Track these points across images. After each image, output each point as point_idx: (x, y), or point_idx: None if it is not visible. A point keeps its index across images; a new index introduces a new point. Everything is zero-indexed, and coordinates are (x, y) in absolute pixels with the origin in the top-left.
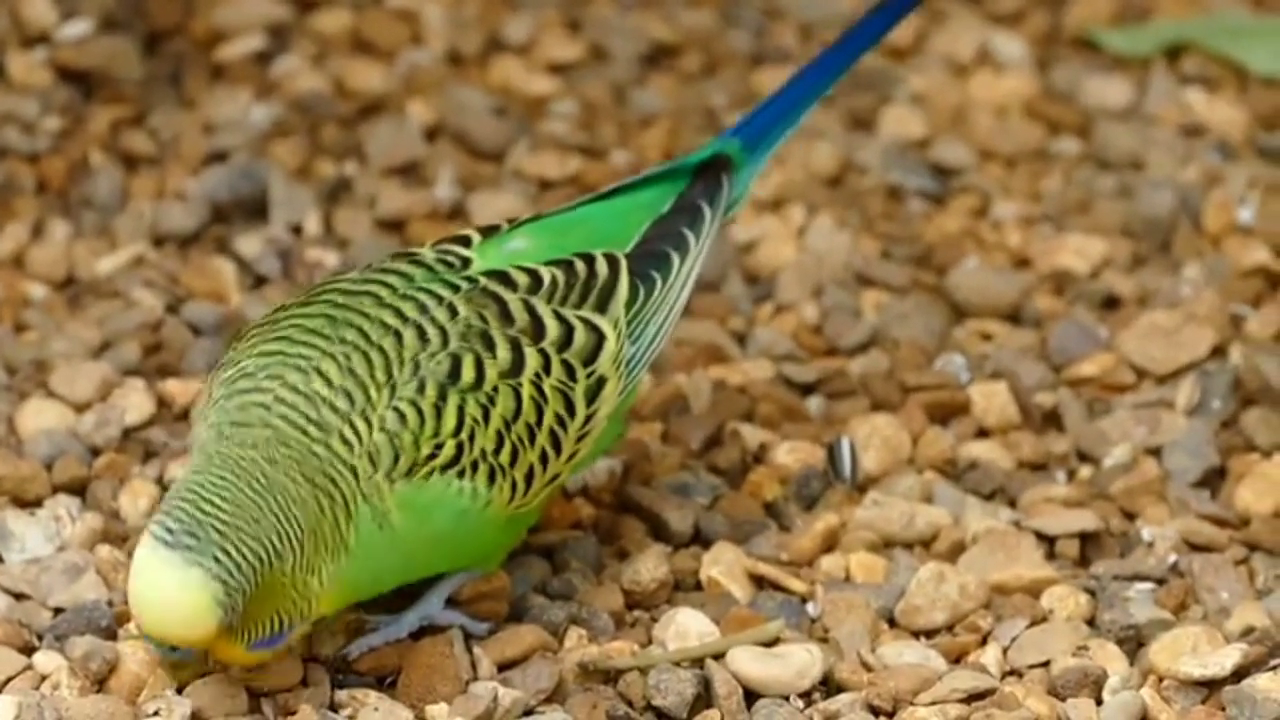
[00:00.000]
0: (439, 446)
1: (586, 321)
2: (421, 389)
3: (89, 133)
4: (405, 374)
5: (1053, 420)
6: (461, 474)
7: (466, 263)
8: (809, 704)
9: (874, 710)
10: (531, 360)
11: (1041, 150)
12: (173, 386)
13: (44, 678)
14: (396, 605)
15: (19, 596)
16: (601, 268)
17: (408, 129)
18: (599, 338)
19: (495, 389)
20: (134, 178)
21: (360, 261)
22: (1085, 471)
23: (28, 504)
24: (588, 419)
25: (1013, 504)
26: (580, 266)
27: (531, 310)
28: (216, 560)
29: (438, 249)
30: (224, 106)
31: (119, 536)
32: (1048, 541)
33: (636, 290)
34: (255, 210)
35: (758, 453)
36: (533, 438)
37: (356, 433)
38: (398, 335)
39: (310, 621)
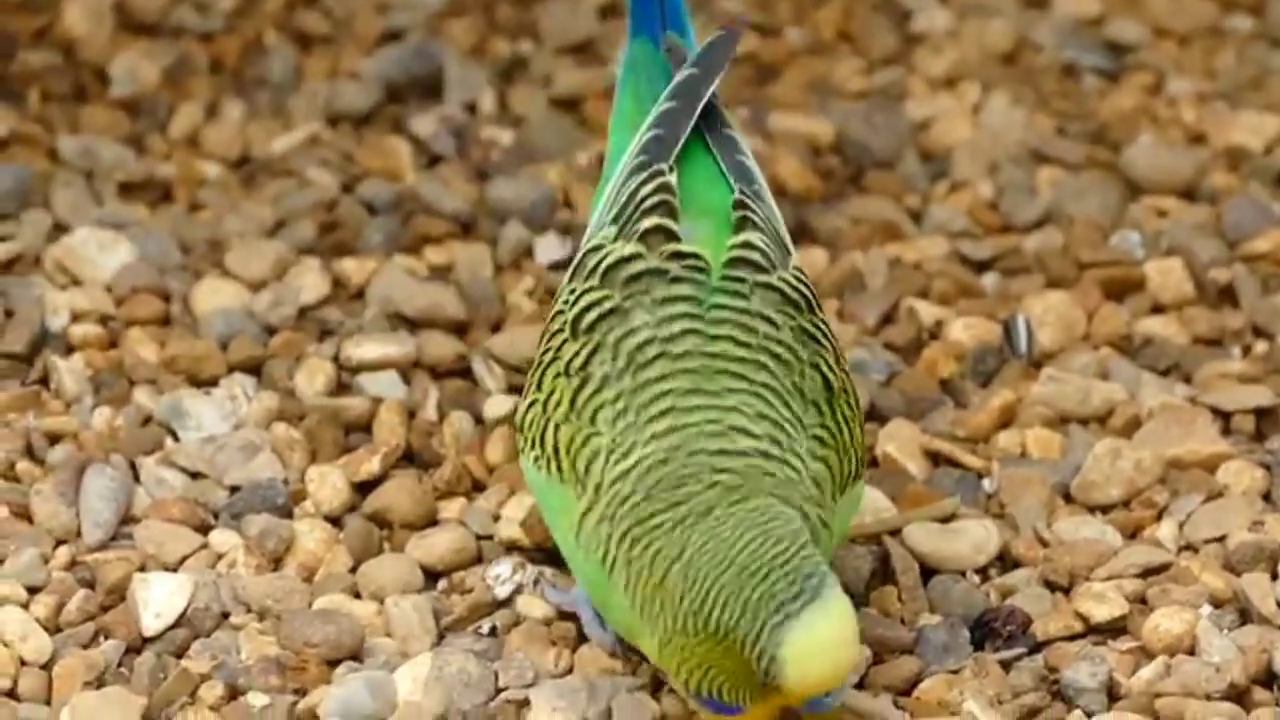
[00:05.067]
0: (851, 459)
1: (798, 268)
2: (819, 411)
3: (263, 12)
4: (798, 402)
5: (1228, 296)
6: (860, 475)
7: (703, 259)
8: (985, 579)
9: (1050, 585)
10: (824, 335)
11: (1215, 27)
12: (348, 265)
13: (220, 556)
14: None
15: (195, 475)
16: (755, 209)
17: (582, 7)
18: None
19: (844, 381)
20: (308, 57)
21: (535, 140)
22: (1260, 347)
23: (203, 383)
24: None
25: (1188, 379)
26: (753, 217)
27: (789, 283)
28: (837, 581)
29: (674, 260)
30: None
31: (295, 415)
32: (1223, 417)
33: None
34: (430, 89)
35: (933, 329)
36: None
37: (796, 470)
38: (763, 366)
39: None
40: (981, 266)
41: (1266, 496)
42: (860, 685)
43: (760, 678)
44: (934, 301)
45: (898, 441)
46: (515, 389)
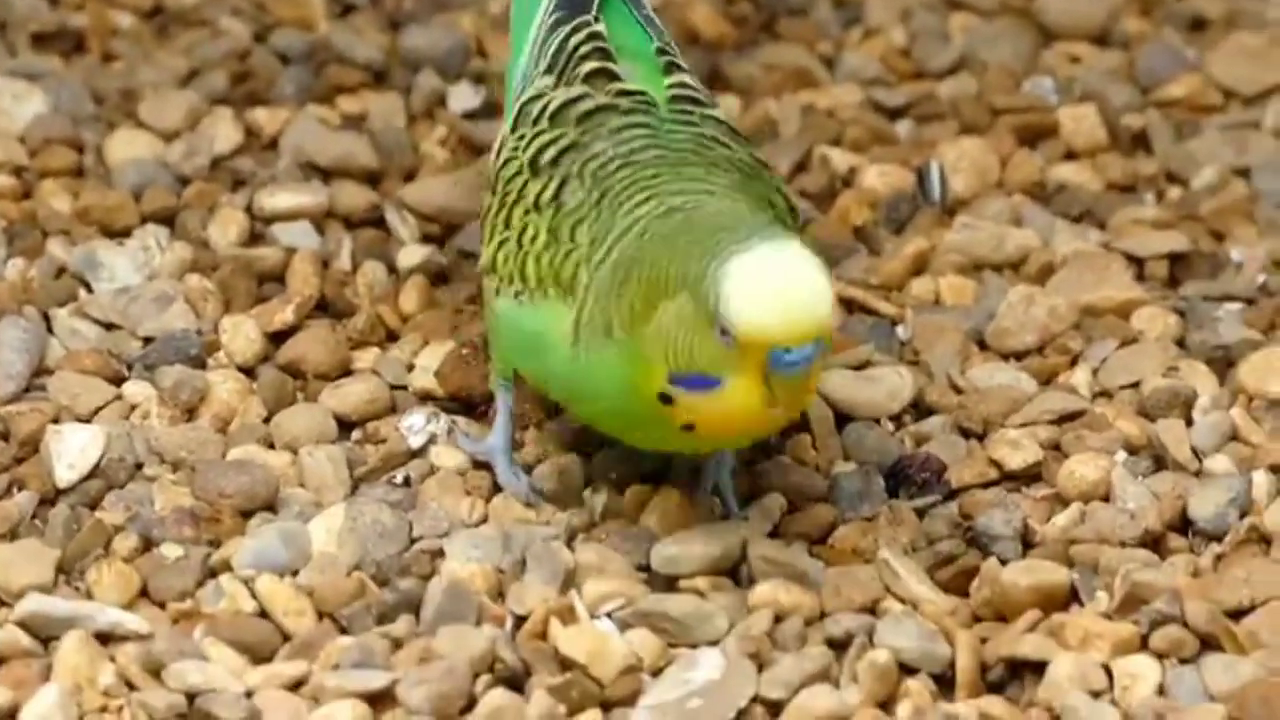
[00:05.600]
0: None
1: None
2: (787, 226)
3: None
4: (768, 212)
5: (1141, 142)
6: None
7: (649, 96)
8: (900, 426)
9: (964, 432)
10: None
11: None
12: (261, 115)
13: (134, 407)
14: None
15: (109, 326)
16: (677, 56)
17: None
18: None
19: (799, 212)
20: None
21: None
22: (1174, 193)
23: (116, 234)
24: None
25: (1102, 225)
26: (679, 61)
27: (731, 121)
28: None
29: (622, 97)
30: None
31: (209, 266)
32: (1137, 263)
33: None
34: None
35: (847, 176)
36: None
37: None
38: (729, 173)
39: None
40: (895, 113)
41: (1180, 342)
42: (774, 534)
43: (716, 329)
44: (847, 149)
45: None
46: (428, 238)
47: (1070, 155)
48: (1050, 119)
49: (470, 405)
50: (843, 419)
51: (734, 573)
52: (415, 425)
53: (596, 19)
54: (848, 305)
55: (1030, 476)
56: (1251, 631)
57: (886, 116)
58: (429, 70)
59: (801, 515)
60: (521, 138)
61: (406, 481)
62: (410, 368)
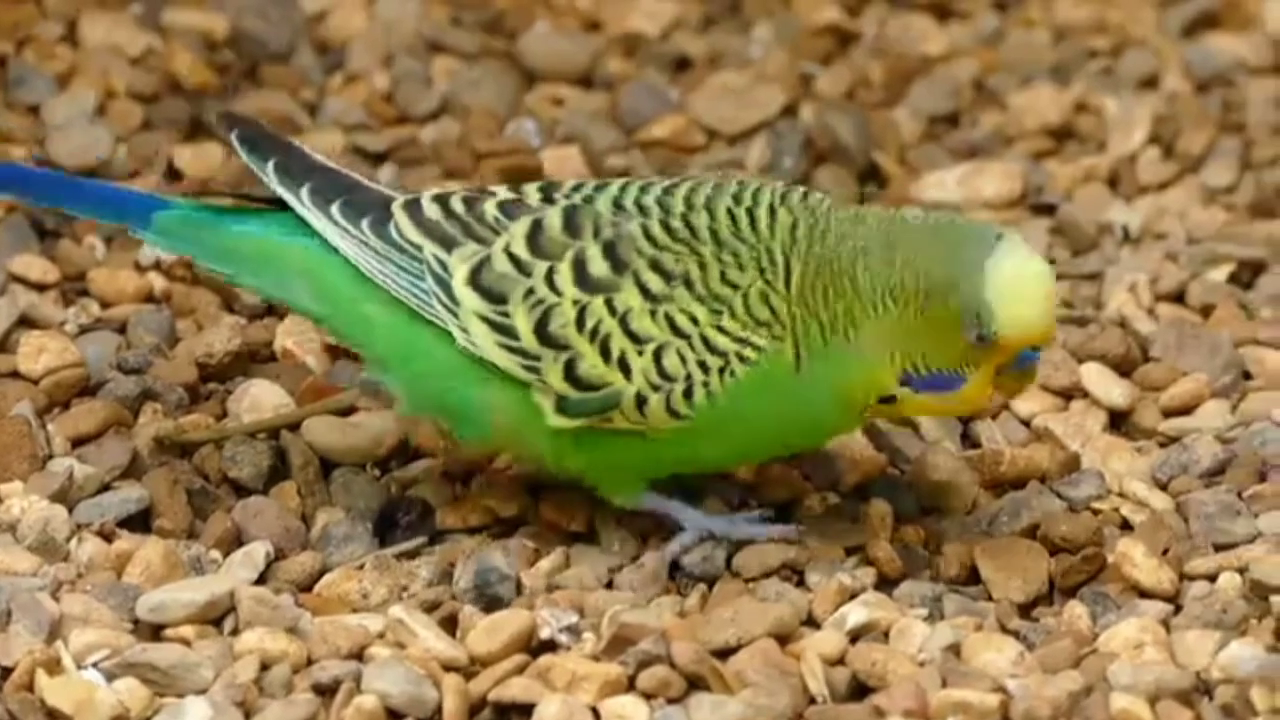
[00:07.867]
0: None
1: None
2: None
3: None
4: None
5: None
6: None
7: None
8: (386, 472)
9: (451, 477)
10: None
11: None
12: None
13: None
14: None
15: None
16: None
17: None
18: None
19: None
20: None
21: None
22: None
23: None
24: None
25: None
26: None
27: None
28: None
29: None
30: None
31: None
32: None
33: None
34: None
35: None
36: None
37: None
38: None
39: None
40: (378, 158)
41: None
42: (261, 581)
43: (972, 332)
44: None
45: (295, 336)
46: None
47: None
48: (534, 161)
49: None
50: (329, 465)
51: (220, 621)
52: None
53: (414, 196)
54: (333, 352)
55: (518, 521)
56: (738, 671)
57: (370, 161)
58: None
59: (288, 563)
60: (530, 292)
61: None
62: None
